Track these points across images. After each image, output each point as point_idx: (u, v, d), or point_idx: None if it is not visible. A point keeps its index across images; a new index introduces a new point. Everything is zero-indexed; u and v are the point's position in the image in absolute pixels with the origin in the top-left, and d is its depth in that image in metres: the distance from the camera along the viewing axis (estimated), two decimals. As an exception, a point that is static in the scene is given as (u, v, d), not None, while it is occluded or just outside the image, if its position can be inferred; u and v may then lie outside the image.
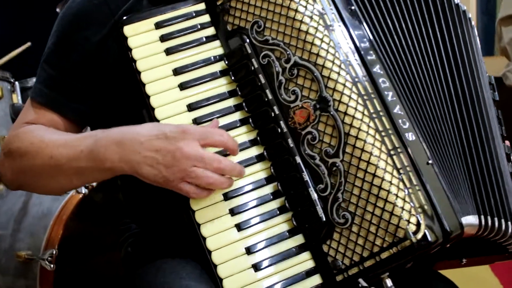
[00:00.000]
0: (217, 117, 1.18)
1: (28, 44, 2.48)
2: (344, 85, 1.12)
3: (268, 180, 1.17)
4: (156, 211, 1.32)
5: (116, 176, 1.17)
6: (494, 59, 3.45)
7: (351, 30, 1.17)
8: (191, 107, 1.18)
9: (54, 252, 1.96)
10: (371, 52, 1.17)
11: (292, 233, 1.16)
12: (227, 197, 1.15)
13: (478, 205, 1.19)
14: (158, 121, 1.15)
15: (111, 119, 1.22)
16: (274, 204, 1.17)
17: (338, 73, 1.12)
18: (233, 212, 1.15)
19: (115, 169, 1.09)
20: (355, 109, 1.11)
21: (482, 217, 1.18)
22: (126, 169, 1.09)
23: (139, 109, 1.18)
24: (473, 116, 1.23)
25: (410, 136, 1.14)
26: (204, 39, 1.22)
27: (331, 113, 1.11)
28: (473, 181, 1.20)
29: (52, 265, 1.97)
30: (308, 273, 1.15)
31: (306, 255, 1.16)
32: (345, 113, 1.11)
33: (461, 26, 1.27)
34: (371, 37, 1.19)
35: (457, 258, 1.33)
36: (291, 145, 1.15)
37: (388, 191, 1.08)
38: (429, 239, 1.08)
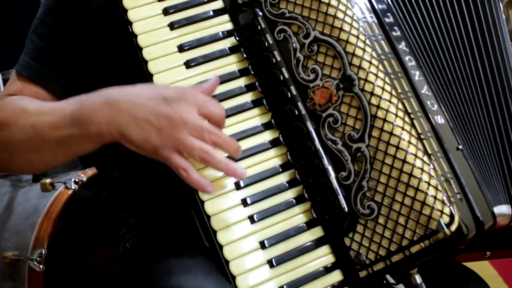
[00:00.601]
0: (228, 98, 1.08)
1: None
2: (370, 62, 1.01)
3: (284, 167, 1.07)
4: (158, 203, 1.21)
5: (110, 164, 1.06)
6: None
7: (374, 3, 1.07)
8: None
9: (43, 252, 1.84)
10: (396, 28, 1.08)
11: (310, 225, 1.06)
12: (239, 186, 1.05)
13: (510, 194, 1.10)
14: None
15: None
16: (290, 194, 1.06)
17: (364, 50, 1.02)
18: (245, 202, 1.04)
19: (102, 134, 0.96)
20: (383, 88, 1.01)
21: None
22: (113, 133, 0.95)
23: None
24: (503, 98, 1.14)
25: (439, 119, 1.04)
26: (212, 13, 1.11)
27: (356, 93, 1.01)
28: (504, 167, 1.11)
29: (41, 266, 1.84)
30: (328, 269, 1.04)
31: (325, 249, 1.05)
32: (372, 93, 1.01)
33: (489, 4, 1.17)
34: (395, 12, 1.09)
35: (481, 250, 1.24)
36: (310, 128, 1.05)
37: (420, 179, 0.98)
38: (464, 231, 0.98)
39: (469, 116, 1.11)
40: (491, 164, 1.10)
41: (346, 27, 1.03)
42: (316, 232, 1.05)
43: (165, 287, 1.07)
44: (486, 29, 1.17)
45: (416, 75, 1.05)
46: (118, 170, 1.28)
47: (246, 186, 1.05)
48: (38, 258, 1.81)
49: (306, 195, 1.05)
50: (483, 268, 1.31)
